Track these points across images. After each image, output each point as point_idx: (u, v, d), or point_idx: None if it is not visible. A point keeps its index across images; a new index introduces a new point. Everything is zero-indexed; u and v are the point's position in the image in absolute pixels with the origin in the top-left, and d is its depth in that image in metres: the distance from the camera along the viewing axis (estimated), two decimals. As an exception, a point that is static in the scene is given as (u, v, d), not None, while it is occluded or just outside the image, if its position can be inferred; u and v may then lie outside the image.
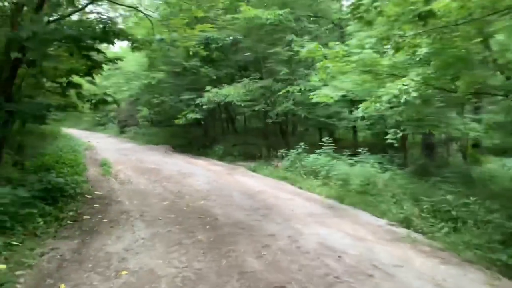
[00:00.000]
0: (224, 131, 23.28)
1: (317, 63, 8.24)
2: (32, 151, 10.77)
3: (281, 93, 12.41)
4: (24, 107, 6.92)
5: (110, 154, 16.37)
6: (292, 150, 12.31)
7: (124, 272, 4.35)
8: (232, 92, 13.53)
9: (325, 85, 10.86)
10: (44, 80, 8.18)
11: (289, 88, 12.41)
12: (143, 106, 23.85)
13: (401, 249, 5.32)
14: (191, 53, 12.18)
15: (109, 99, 8.90)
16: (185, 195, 8.64)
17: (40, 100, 7.85)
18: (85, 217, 6.51)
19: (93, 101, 8.51)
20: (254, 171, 12.59)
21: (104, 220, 6.38)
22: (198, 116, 15.32)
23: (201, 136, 20.97)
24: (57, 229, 5.73)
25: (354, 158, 10.84)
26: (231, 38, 16.05)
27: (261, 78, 14.94)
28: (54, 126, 21.12)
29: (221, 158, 15.56)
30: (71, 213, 6.52)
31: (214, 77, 15.97)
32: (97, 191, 8.68)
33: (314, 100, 9.81)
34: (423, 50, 6.36)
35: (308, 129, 25.33)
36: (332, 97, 8.34)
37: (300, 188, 9.73)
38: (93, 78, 9.05)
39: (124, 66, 22.26)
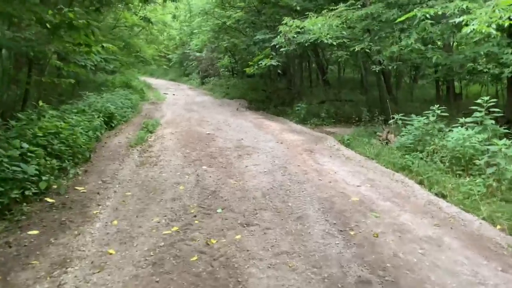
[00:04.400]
0: (312, 84, 18.30)
1: None
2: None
3: (401, 18, 7.02)
4: None
5: (173, 111, 12.92)
6: (414, 116, 7.14)
7: None
8: (320, 25, 8.48)
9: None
10: None
11: (416, 12, 6.97)
12: (221, 53, 19.88)
13: None
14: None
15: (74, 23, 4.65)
16: (221, 203, 4.40)
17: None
18: None
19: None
20: (348, 145, 7.78)
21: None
22: (273, 63, 10.62)
23: (283, 89, 16.36)
24: None
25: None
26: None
27: (363, 5, 9.56)
28: (127, 76, 18.42)
29: (303, 120, 10.89)
30: None
31: (298, 8, 10.92)
32: (79, 186, 4.88)
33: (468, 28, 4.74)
34: None
35: (417, 82, 18.96)
36: None
37: (441, 196, 4.80)
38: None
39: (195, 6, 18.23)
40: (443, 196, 4.79)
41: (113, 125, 8.76)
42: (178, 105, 14.89)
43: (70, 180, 5.00)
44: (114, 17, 14.43)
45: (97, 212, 4.08)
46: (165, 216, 4.02)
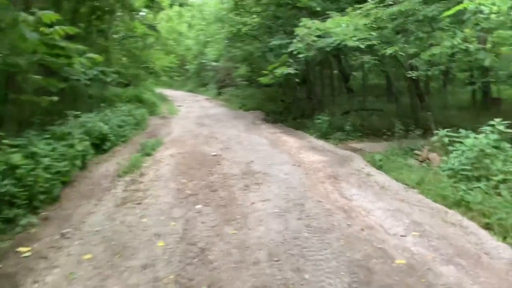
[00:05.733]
0: (334, 92, 16.78)
1: None
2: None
3: (450, 12, 5.53)
4: None
5: (182, 126, 11.79)
6: (463, 131, 5.62)
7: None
8: (345, 25, 7.07)
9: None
10: None
11: (468, 3, 5.45)
12: (238, 62, 18.69)
13: None
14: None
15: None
16: (208, 274, 3.05)
17: None
18: None
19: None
20: (380, 168, 6.28)
21: None
22: (291, 71, 9.26)
23: (303, 99, 14.93)
24: None
25: None
26: None
27: (394, 2, 8.07)
28: (139, 89, 17.45)
29: (325, 135, 9.43)
30: None
31: (318, 9, 9.53)
32: (26, 245, 3.64)
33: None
34: None
35: (445, 86, 17.03)
36: None
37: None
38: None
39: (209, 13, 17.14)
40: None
41: (106, 148, 7.60)
42: (190, 119, 13.73)
43: (18, 235, 3.78)
44: (125, 27, 13.50)
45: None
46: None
